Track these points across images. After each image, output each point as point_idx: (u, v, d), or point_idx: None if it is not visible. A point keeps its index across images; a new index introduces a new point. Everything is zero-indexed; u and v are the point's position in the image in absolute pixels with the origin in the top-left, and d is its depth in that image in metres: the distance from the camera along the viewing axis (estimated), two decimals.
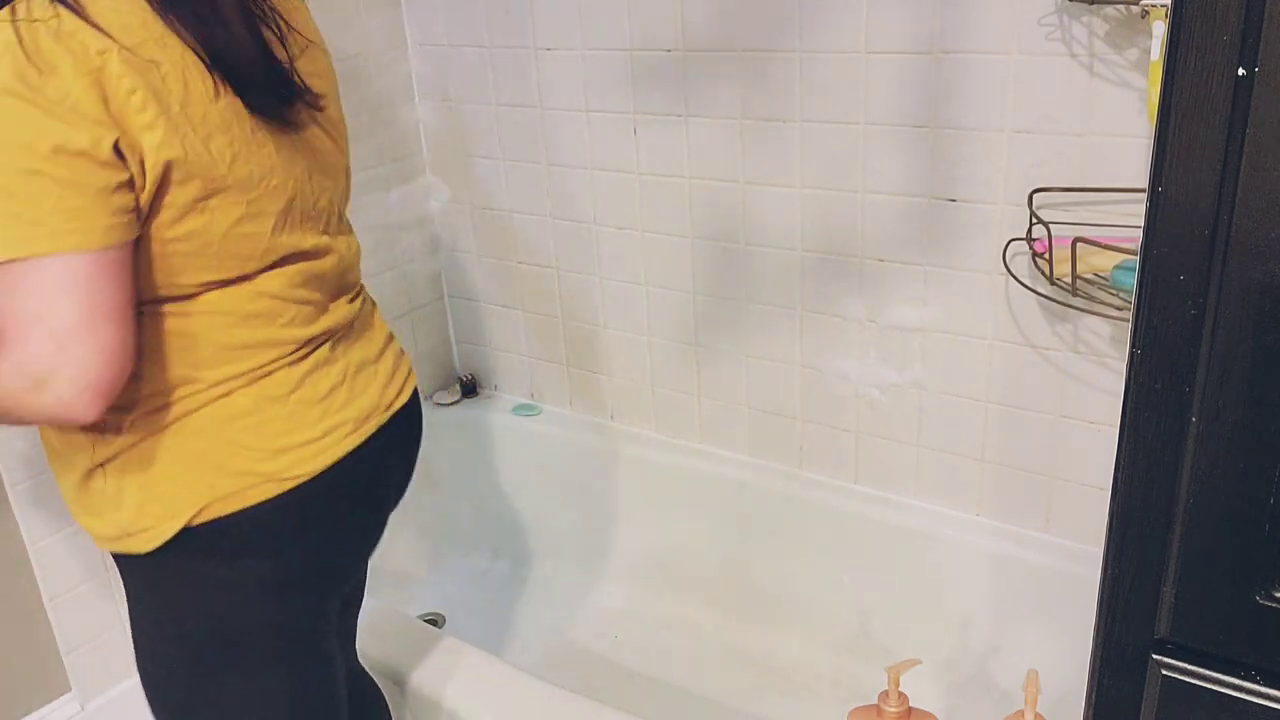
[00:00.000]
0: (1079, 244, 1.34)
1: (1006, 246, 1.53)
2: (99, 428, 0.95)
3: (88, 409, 0.84)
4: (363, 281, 1.14)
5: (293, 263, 0.99)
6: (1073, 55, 1.40)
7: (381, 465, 1.10)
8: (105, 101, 0.81)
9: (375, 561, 1.24)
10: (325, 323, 1.03)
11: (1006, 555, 1.68)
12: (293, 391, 0.99)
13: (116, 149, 0.82)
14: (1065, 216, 1.45)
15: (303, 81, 0.99)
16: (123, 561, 1.02)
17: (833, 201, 1.68)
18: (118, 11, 0.84)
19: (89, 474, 0.98)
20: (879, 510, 1.80)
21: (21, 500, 1.56)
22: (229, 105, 0.90)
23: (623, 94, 1.82)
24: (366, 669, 1.34)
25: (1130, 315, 0.69)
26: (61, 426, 0.98)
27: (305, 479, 1.00)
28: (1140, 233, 0.68)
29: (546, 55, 1.88)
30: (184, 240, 0.89)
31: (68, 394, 0.83)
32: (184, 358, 0.94)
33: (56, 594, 1.63)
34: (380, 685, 1.36)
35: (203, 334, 0.94)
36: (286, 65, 0.97)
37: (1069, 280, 1.37)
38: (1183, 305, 0.67)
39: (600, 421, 2.13)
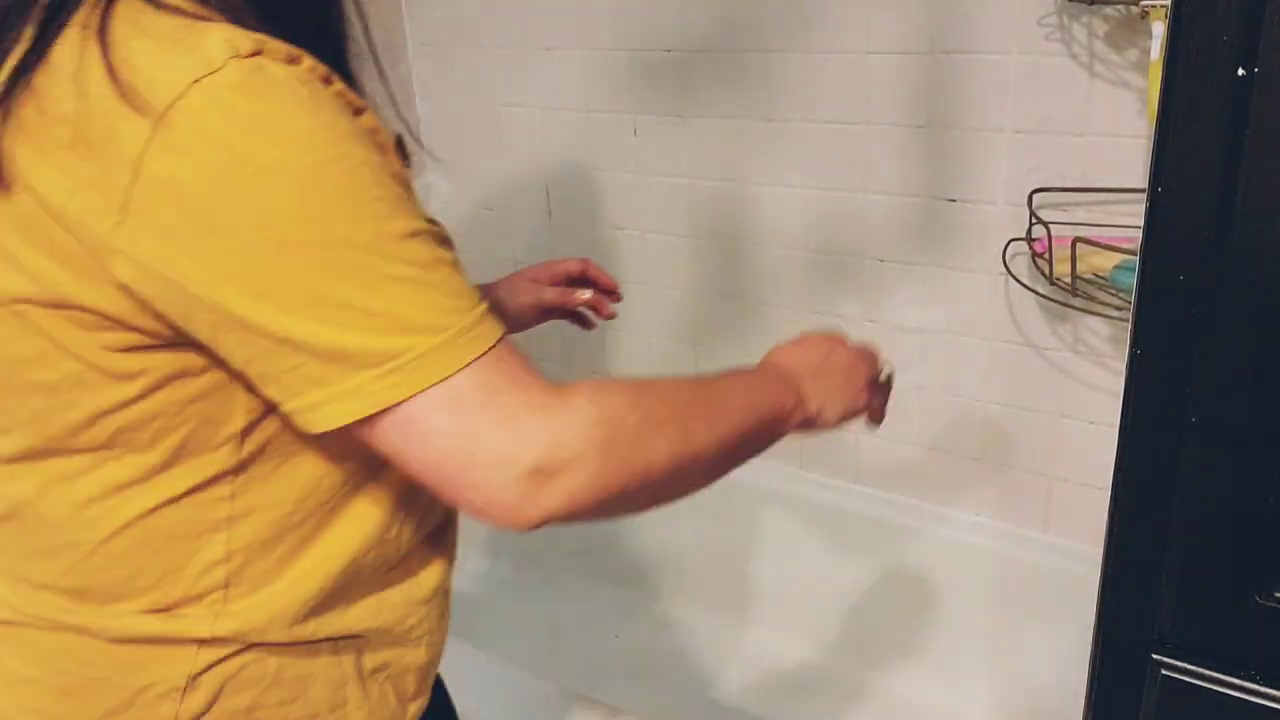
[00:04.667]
0: (1079, 244, 1.34)
1: (1006, 246, 1.53)
2: None
3: None
4: None
5: None
6: (1073, 55, 1.40)
7: None
8: None
9: None
10: None
11: (1007, 555, 1.68)
12: None
13: None
14: (1065, 216, 1.45)
15: None
16: None
17: (833, 201, 1.68)
18: None
19: None
20: (879, 510, 1.80)
21: None
22: None
23: (623, 94, 1.82)
24: None
25: (1130, 315, 0.69)
26: None
27: None
28: (1140, 233, 0.68)
29: (546, 55, 1.88)
30: None
31: None
32: None
33: None
34: None
35: None
36: None
37: (1069, 280, 1.37)
38: (1183, 305, 0.66)
39: None
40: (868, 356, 0.91)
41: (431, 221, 0.64)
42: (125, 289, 0.57)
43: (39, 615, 0.68)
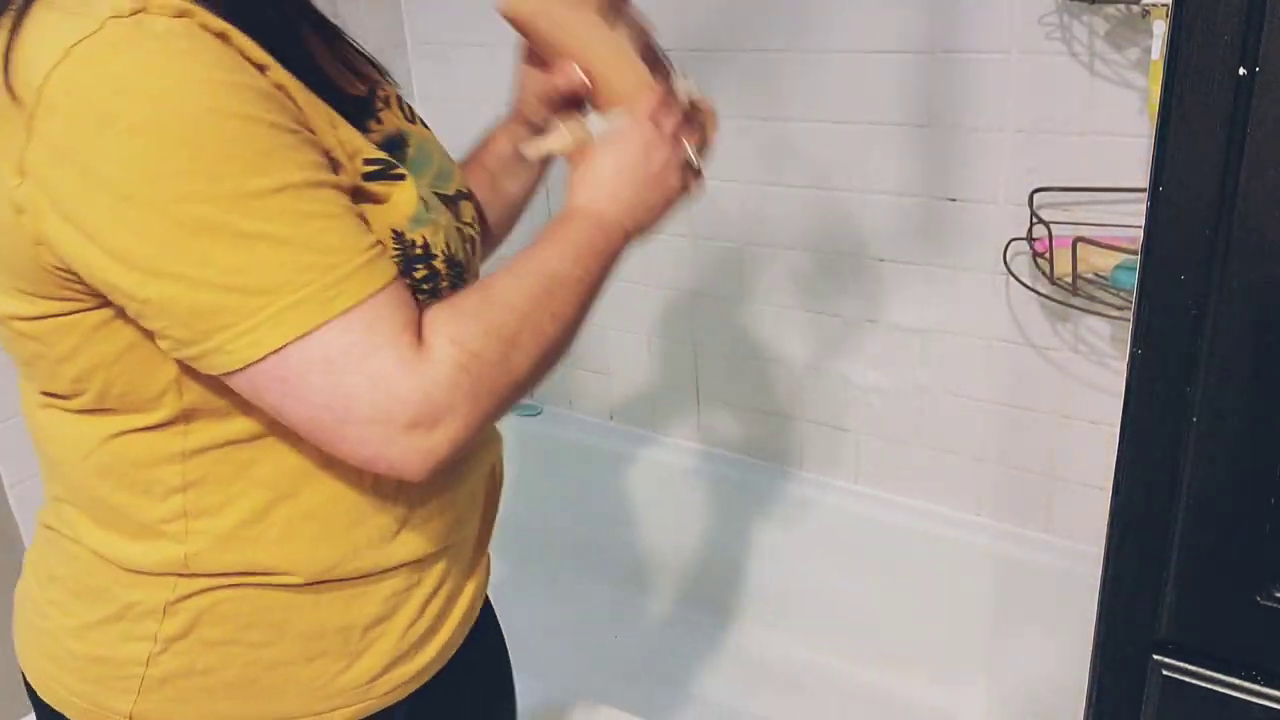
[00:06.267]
0: (1079, 244, 1.34)
1: (1007, 246, 1.53)
2: None
3: None
4: None
5: None
6: (1073, 55, 1.40)
7: None
8: None
9: None
10: None
11: (1007, 555, 1.68)
12: None
13: None
14: (1066, 216, 1.45)
15: None
16: None
17: (833, 201, 1.67)
18: None
19: None
20: (879, 510, 1.80)
21: (20, 499, 1.56)
22: None
23: None
24: None
25: (1131, 315, 0.69)
26: None
27: None
28: (1140, 233, 0.68)
29: None
30: None
31: None
32: None
33: None
34: None
35: None
36: None
37: (1069, 280, 1.37)
38: (1183, 305, 0.66)
39: (600, 422, 2.13)
40: (676, 141, 0.83)
41: (376, 162, 0.66)
42: (38, 246, 0.59)
43: (63, 525, 0.76)
